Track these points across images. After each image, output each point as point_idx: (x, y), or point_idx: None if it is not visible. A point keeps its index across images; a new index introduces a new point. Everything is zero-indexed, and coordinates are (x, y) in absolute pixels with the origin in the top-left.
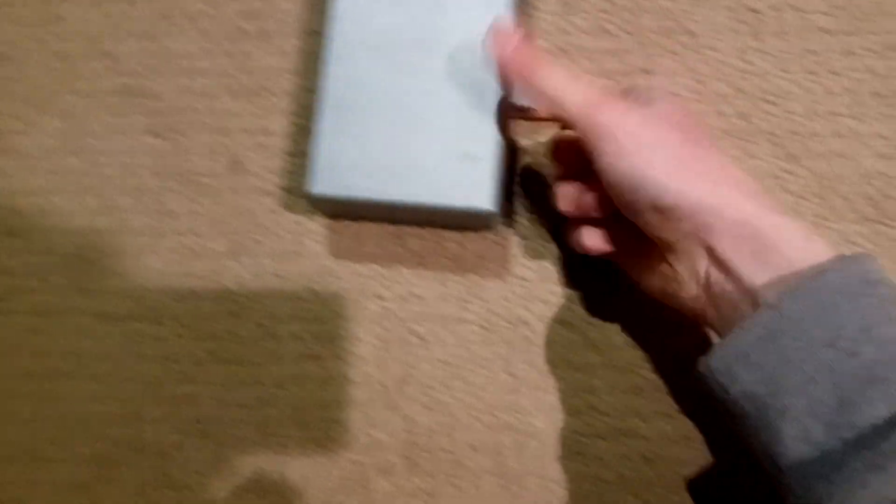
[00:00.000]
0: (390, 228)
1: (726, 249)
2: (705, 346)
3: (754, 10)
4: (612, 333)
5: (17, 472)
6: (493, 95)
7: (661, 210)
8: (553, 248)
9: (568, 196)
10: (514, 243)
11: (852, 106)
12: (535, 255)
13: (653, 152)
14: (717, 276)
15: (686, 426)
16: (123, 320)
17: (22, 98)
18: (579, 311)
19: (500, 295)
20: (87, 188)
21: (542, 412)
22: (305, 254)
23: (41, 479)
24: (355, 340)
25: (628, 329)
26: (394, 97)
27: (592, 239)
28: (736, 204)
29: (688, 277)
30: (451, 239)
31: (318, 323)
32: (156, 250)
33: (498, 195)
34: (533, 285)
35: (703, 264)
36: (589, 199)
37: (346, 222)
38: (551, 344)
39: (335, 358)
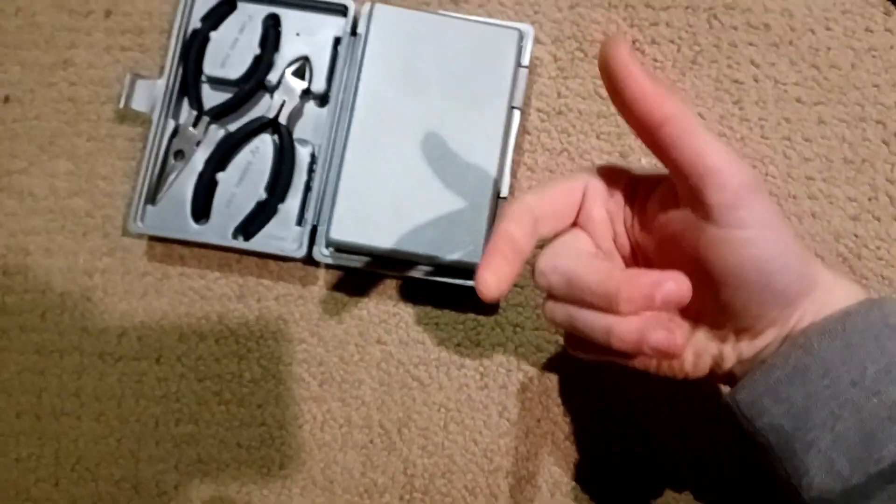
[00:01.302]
0: (393, 275)
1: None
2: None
3: (737, 81)
4: (604, 381)
5: None
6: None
7: (789, 295)
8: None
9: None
10: (510, 293)
11: (824, 171)
12: (528, 302)
13: (786, 234)
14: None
15: (675, 471)
16: (125, 360)
17: (28, 138)
18: (572, 358)
19: (497, 341)
20: (92, 228)
21: (537, 457)
22: (310, 298)
23: None
24: (357, 383)
25: (620, 373)
26: (403, 165)
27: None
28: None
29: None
30: (451, 289)
31: (320, 366)
32: (161, 291)
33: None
34: (527, 333)
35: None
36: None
37: (351, 270)
38: (545, 390)
39: (337, 400)
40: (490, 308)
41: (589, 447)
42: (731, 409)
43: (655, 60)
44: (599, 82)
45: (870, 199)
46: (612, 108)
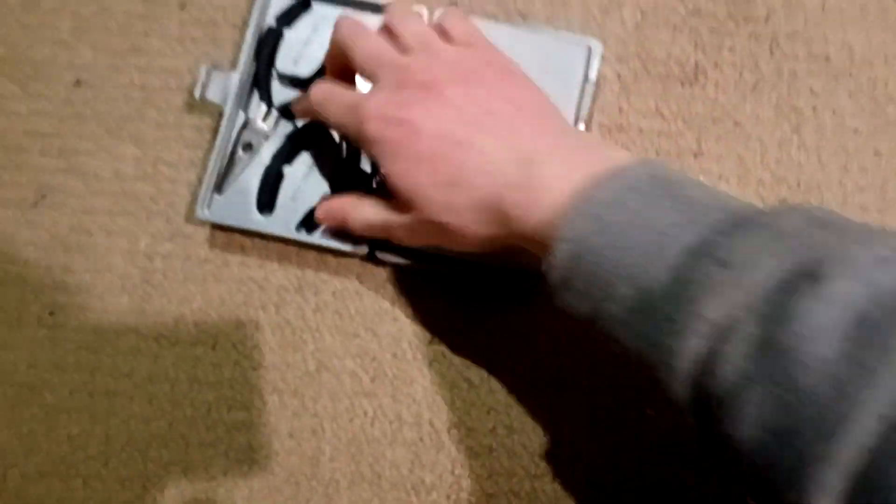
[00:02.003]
0: (450, 278)
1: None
2: None
3: (796, 109)
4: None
5: (56, 487)
6: None
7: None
8: None
9: None
10: None
11: (878, 201)
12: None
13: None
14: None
15: None
16: (181, 344)
17: (96, 122)
18: (624, 366)
19: (550, 348)
20: (155, 213)
21: (582, 462)
22: (366, 294)
23: (80, 496)
24: (408, 381)
25: None
26: None
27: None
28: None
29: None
30: (506, 292)
31: (373, 361)
32: (220, 279)
33: None
34: (581, 342)
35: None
36: None
37: (409, 268)
38: (595, 398)
39: (388, 396)
40: (545, 314)
41: (645, 457)
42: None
43: (717, 83)
44: (661, 101)
45: None
46: (673, 127)
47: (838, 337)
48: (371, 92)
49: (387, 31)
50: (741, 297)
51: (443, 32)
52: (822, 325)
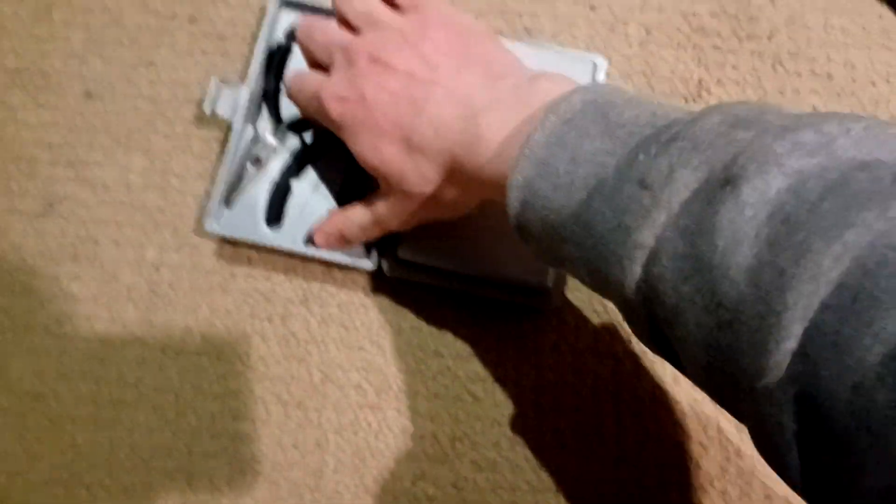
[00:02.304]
0: (455, 293)
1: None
2: None
3: None
4: (663, 404)
5: (60, 495)
6: None
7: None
8: (605, 318)
9: None
10: (570, 315)
11: None
12: (586, 324)
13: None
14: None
15: None
16: (186, 354)
17: (105, 132)
18: (630, 381)
19: (554, 361)
20: (162, 224)
21: (587, 478)
22: (371, 307)
23: None
24: (413, 394)
25: (678, 400)
26: None
27: None
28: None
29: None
30: (513, 307)
31: (378, 374)
32: (227, 290)
33: (555, 275)
34: (586, 356)
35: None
36: None
37: (416, 284)
38: (600, 412)
39: (393, 409)
40: (550, 330)
41: (646, 472)
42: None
43: (720, 100)
44: None
45: None
46: None
47: (754, 239)
48: (329, 76)
49: (337, 16)
50: (664, 216)
51: (389, 2)
52: (740, 230)
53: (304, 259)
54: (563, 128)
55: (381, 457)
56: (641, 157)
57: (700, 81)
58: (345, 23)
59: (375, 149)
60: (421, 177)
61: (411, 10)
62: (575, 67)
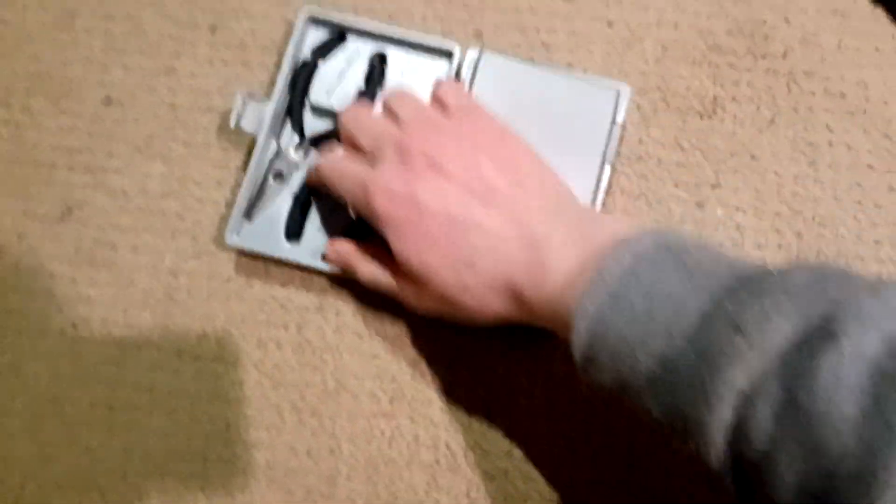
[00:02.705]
0: None
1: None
2: None
3: (812, 144)
4: None
5: (73, 499)
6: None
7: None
8: None
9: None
10: None
11: (892, 236)
12: None
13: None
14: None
15: None
16: (202, 360)
17: (125, 139)
18: None
19: (567, 373)
20: (181, 231)
21: (598, 487)
22: (386, 316)
23: None
24: (427, 402)
25: None
26: None
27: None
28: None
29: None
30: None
31: (393, 383)
32: (243, 297)
33: None
34: None
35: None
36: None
37: None
38: (610, 423)
39: (406, 418)
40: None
41: (659, 480)
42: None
43: (735, 117)
44: (680, 133)
45: None
46: (691, 159)
47: (859, 393)
48: (377, 168)
49: (386, 110)
50: (760, 361)
51: (439, 103)
52: (842, 382)
53: (327, 276)
54: (637, 264)
55: (394, 465)
56: (730, 303)
57: (715, 98)
58: (392, 116)
59: (421, 253)
60: (466, 289)
61: (461, 115)
62: (598, 96)
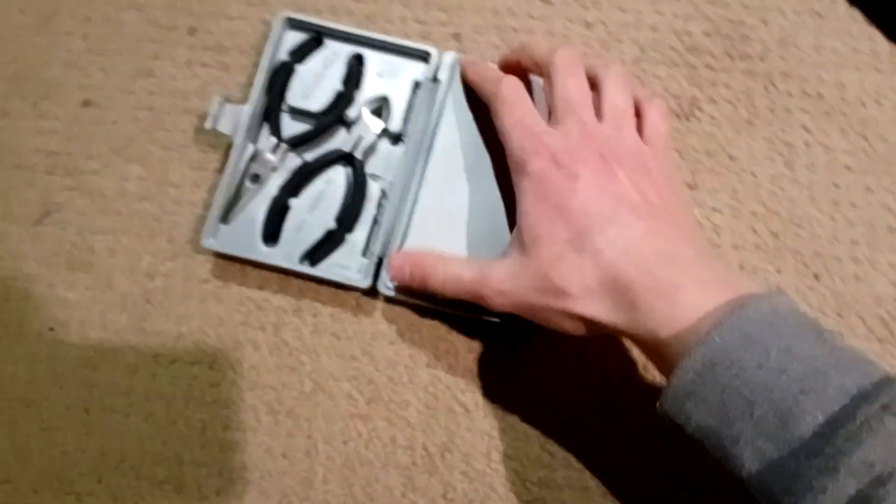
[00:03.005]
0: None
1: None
2: None
3: (789, 144)
4: (647, 412)
5: (49, 502)
6: None
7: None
8: None
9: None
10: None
11: (868, 236)
12: (574, 337)
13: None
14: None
15: None
16: (178, 363)
17: (103, 141)
18: (620, 393)
19: (544, 373)
20: (158, 233)
21: (574, 490)
22: (364, 318)
23: None
24: (404, 404)
25: None
26: (474, 209)
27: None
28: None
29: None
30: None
31: (369, 384)
32: (220, 299)
33: None
34: (571, 365)
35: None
36: None
37: (411, 305)
38: (586, 422)
39: (383, 419)
40: (540, 342)
41: (634, 481)
42: (665, 420)
43: (713, 118)
44: None
45: None
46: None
47: None
48: (554, 130)
49: (596, 84)
50: None
51: (639, 117)
52: None
53: (303, 278)
54: (774, 318)
55: (371, 467)
56: (883, 387)
57: (693, 99)
58: (596, 94)
59: (549, 222)
60: (577, 276)
61: (649, 142)
62: None
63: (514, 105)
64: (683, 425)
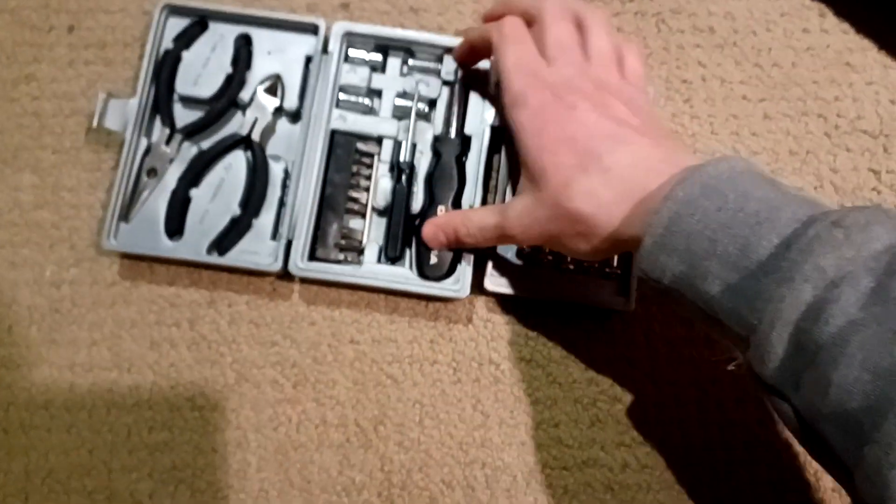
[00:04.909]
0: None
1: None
2: (656, 378)
3: (685, 81)
4: (572, 369)
5: None
6: None
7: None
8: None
9: None
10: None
11: (772, 163)
12: (498, 298)
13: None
14: None
15: (643, 454)
16: (95, 370)
17: None
18: (541, 349)
19: (468, 336)
20: (58, 240)
21: (511, 447)
22: (281, 302)
23: None
24: (331, 383)
25: (586, 364)
26: None
27: None
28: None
29: None
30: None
31: (293, 368)
32: (130, 300)
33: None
34: (497, 326)
35: None
36: None
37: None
38: (517, 381)
39: (311, 401)
40: (461, 306)
41: (562, 435)
42: (645, 283)
43: None
44: None
45: (815, 188)
46: None
47: None
48: (550, 67)
49: (580, 27)
50: (853, 252)
51: (620, 60)
52: None
53: (212, 269)
54: (733, 172)
55: (305, 449)
56: (830, 213)
57: None
58: (582, 38)
59: (552, 152)
60: (593, 197)
61: (630, 82)
62: None
63: (517, 42)
64: (660, 279)
